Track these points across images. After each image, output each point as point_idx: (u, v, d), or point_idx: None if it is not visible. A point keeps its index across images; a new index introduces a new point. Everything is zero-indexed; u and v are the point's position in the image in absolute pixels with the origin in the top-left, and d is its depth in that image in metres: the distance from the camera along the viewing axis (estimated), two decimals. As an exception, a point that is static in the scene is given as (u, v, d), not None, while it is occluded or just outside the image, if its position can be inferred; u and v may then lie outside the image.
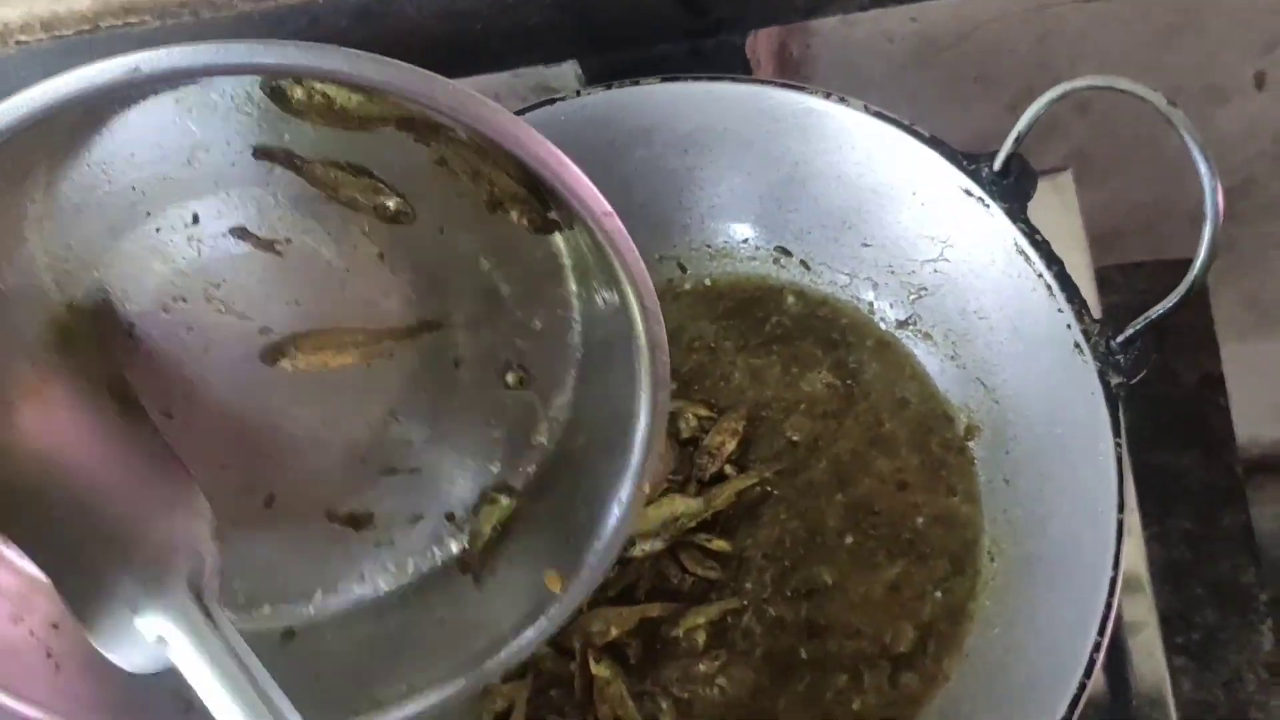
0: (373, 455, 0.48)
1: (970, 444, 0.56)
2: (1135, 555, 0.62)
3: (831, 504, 0.56)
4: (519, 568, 0.50)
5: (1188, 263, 0.46)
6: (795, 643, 0.55)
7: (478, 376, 0.49)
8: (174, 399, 0.40)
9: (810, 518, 0.57)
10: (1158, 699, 0.60)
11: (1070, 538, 0.49)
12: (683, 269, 0.62)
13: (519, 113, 0.54)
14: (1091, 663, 0.44)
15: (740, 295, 0.61)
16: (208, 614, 0.33)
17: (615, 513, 0.47)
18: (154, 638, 0.32)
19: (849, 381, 0.59)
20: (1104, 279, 0.71)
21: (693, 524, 0.56)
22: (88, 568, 0.33)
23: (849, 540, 0.56)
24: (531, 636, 0.49)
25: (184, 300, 0.39)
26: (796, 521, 0.57)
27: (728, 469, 0.57)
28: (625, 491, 0.47)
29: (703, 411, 0.59)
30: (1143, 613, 0.62)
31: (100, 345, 0.37)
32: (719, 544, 0.56)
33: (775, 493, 0.57)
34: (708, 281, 0.62)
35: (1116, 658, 0.60)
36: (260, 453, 0.44)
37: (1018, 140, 0.48)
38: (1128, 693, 0.60)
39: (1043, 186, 0.62)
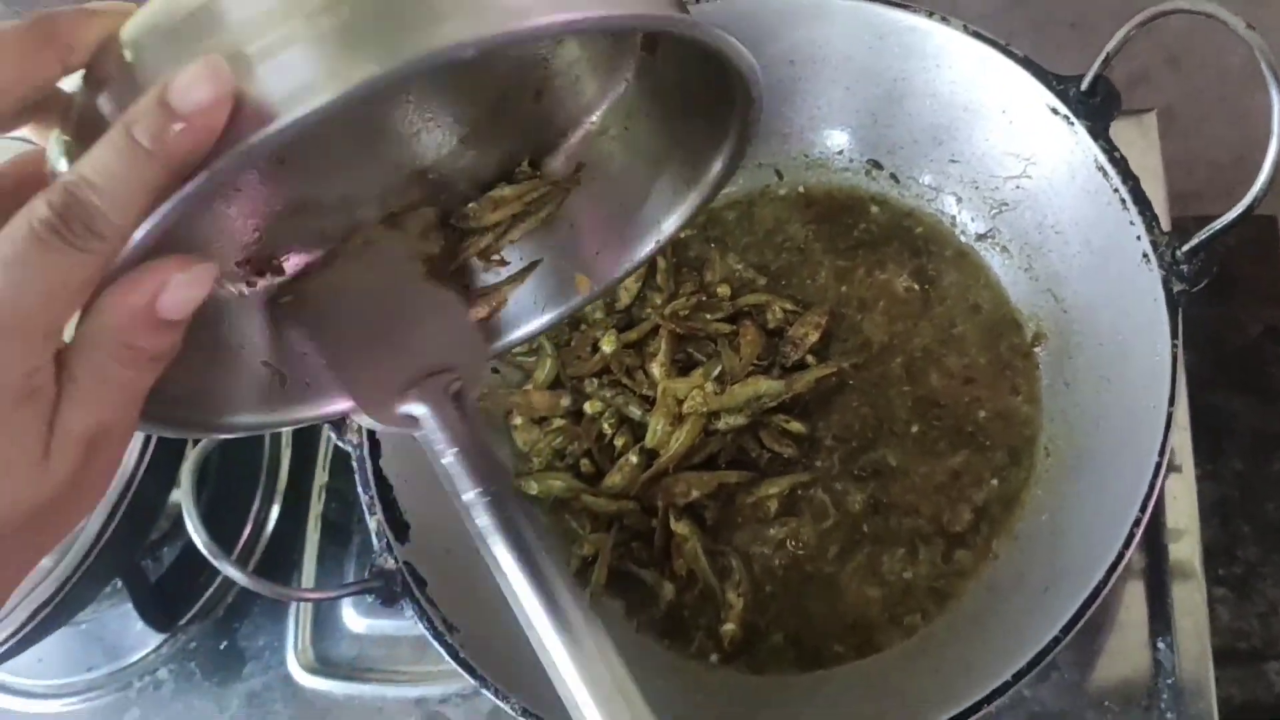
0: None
1: (1037, 349, 0.60)
2: (1186, 490, 0.65)
3: (901, 395, 0.61)
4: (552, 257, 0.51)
5: (1263, 218, 0.49)
6: (859, 516, 0.60)
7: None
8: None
9: (881, 407, 0.61)
10: (1196, 619, 0.63)
11: (1123, 434, 0.53)
12: (779, 175, 0.67)
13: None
14: (1131, 536, 0.48)
15: (832, 202, 0.66)
16: (461, 411, 0.43)
17: (652, 243, 0.49)
18: (406, 415, 0.44)
19: (926, 287, 0.63)
20: (1181, 229, 0.74)
21: (773, 404, 0.61)
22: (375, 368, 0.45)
23: (915, 429, 0.61)
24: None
25: None
26: (868, 409, 0.61)
27: (809, 358, 0.62)
28: (671, 222, 0.49)
29: (789, 305, 0.64)
30: (1189, 543, 0.65)
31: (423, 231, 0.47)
32: (795, 425, 0.61)
33: (850, 383, 0.62)
34: (801, 188, 0.67)
35: (1157, 580, 0.63)
36: None
37: (1106, 60, 0.52)
38: (1168, 611, 0.63)
39: (1127, 124, 0.66)
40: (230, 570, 0.49)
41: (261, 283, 0.46)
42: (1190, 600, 0.62)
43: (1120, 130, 0.55)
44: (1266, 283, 0.82)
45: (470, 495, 0.41)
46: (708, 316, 0.63)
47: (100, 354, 0.33)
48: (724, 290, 0.65)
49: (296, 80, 0.31)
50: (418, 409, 0.44)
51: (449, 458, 0.42)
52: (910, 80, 0.60)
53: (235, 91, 0.31)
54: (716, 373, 0.61)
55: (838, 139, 0.65)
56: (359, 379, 0.46)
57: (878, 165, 0.65)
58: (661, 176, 0.49)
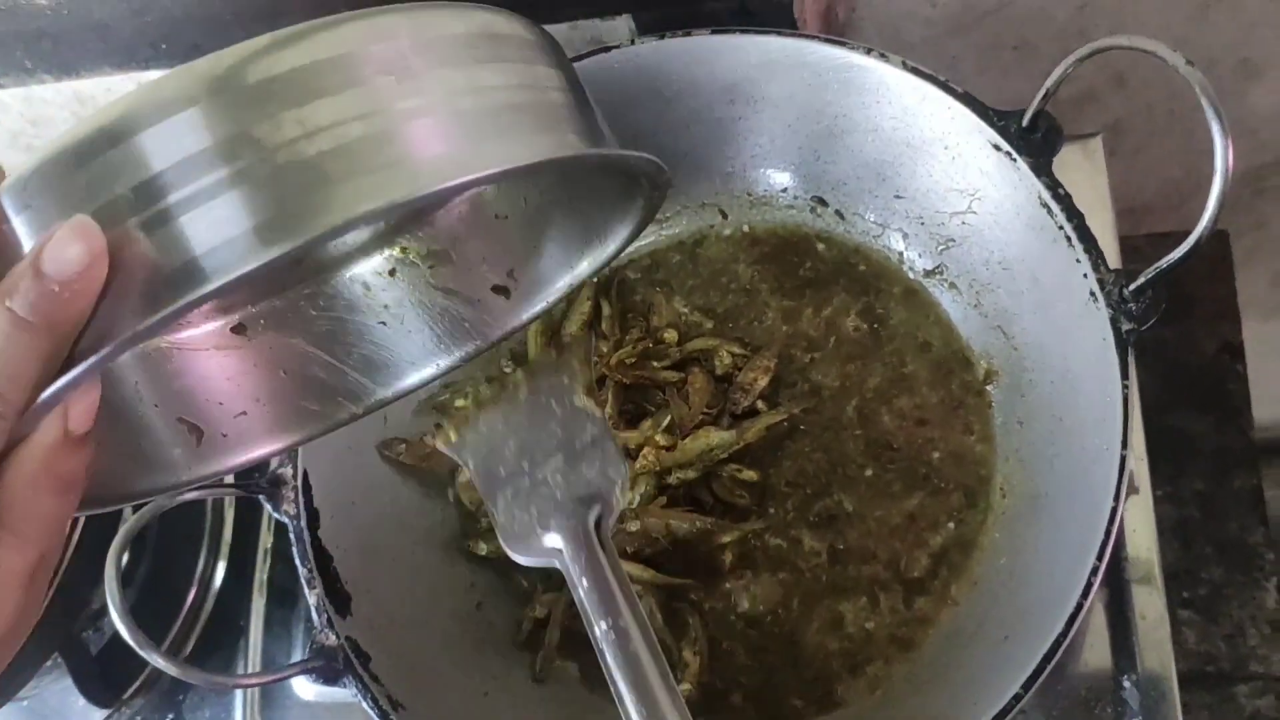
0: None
1: (988, 388, 0.59)
2: (1144, 511, 0.64)
3: (854, 438, 0.60)
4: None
5: (1216, 232, 0.49)
6: (817, 566, 0.58)
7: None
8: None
9: (834, 450, 0.60)
10: (1160, 647, 0.62)
11: (1078, 475, 0.52)
12: (724, 215, 0.66)
13: (574, 59, 0.57)
14: (1089, 585, 0.47)
15: (777, 241, 0.65)
16: (600, 542, 0.46)
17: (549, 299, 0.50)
18: (548, 548, 0.46)
19: (875, 325, 0.62)
20: (1132, 248, 0.73)
21: (725, 455, 0.59)
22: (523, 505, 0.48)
23: (869, 472, 0.59)
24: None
25: None
26: (821, 454, 0.60)
27: (759, 404, 0.61)
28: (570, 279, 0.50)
29: (736, 349, 0.62)
30: (1148, 567, 0.64)
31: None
32: (748, 474, 0.60)
33: (801, 427, 0.61)
34: (746, 227, 0.66)
35: (1119, 607, 0.62)
36: None
37: (1045, 97, 0.51)
38: (1132, 641, 0.62)
39: (1073, 150, 0.65)
40: (159, 662, 0.47)
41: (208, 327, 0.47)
42: (1154, 635, 0.61)
43: (1067, 156, 0.54)
44: (1221, 300, 0.82)
45: (601, 627, 0.43)
46: (655, 364, 0.62)
47: (30, 494, 0.34)
48: (670, 336, 0.63)
49: (199, 248, 0.31)
50: (558, 542, 0.46)
51: (583, 591, 0.44)
52: (851, 116, 0.59)
53: (109, 251, 0.31)
54: (666, 423, 0.60)
55: (781, 177, 0.64)
56: (508, 518, 0.48)
57: (822, 202, 0.64)
58: (561, 239, 0.49)
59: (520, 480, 0.49)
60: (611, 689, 0.43)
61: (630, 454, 0.59)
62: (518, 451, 0.49)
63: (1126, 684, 0.60)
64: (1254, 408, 0.79)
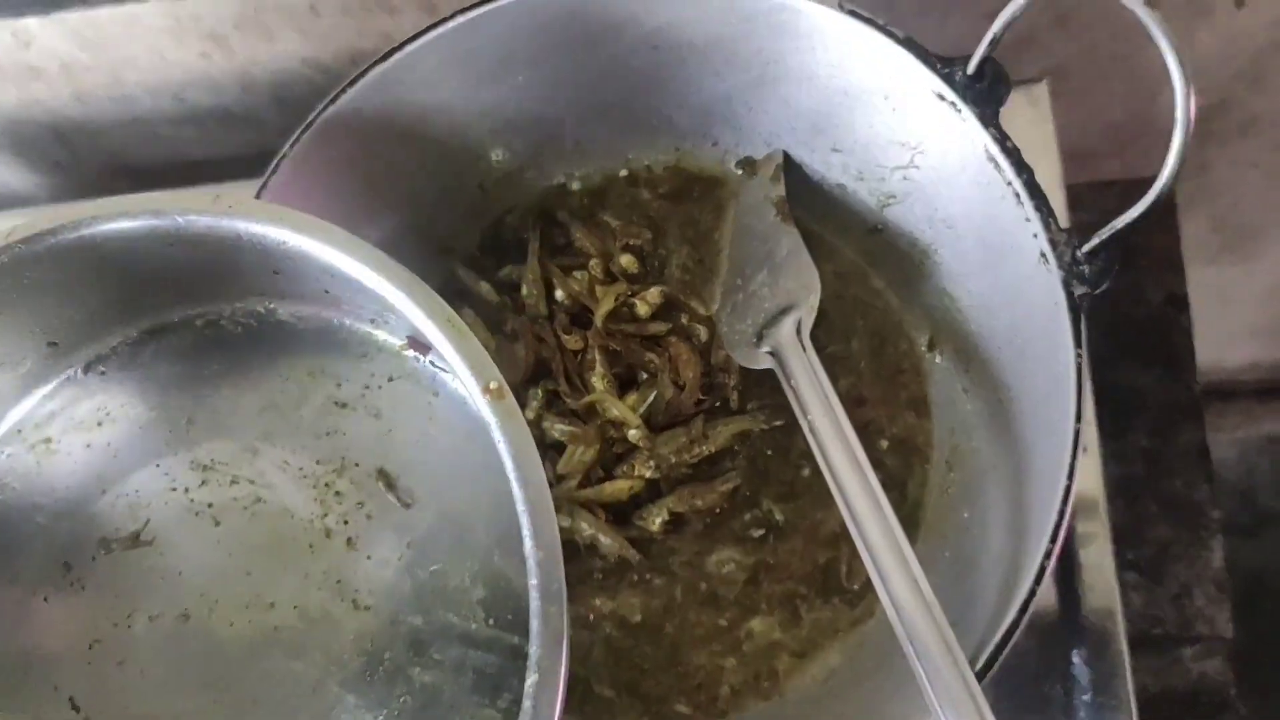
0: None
1: (932, 354, 0.56)
2: (1091, 472, 0.62)
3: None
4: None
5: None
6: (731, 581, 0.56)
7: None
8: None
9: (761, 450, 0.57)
10: (1108, 610, 0.61)
11: (1026, 448, 0.49)
12: (649, 170, 0.61)
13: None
14: (1042, 570, 0.44)
15: (700, 193, 0.61)
16: (802, 344, 0.53)
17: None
18: (766, 351, 0.54)
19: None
20: (1075, 197, 0.70)
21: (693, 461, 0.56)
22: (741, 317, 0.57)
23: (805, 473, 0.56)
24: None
25: None
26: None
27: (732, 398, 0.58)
28: None
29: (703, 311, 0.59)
30: (1095, 527, 0.62)
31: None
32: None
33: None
34: (668, 187, 0.62)
35: (1068, 570, 0.60)
36: None
37: (993, 43, 0.47)
38: (1078, 604, 0.60)
39: (1017, 97, 0.61)
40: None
41: None
42: (1103, 606, 0.59)
43: (1011, 103, 0.50)
44: (1167, 249, 0.79)
45: (809, 418, 0.51)
46: (629, 330, 0.58)
47: None
48: (629, 261, 0.59)
49: None
50: (770, 349, 0.54)
51: (791, 389, 0.52)
52: (783, 63, 0.55)
53: None
54: (651, 399, 0.56)
55: (710, 127, 0.60)
56: (730, 328, 0.57)
57: (753, 156, 0.60)
58: None
59: (737, 295, 0.57)
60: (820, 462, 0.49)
61: (612, 424, 0.56)
62: (735, 268, 0.58)
63: (1076, 659, 0.57)
64: (1197, 351, 0.77)
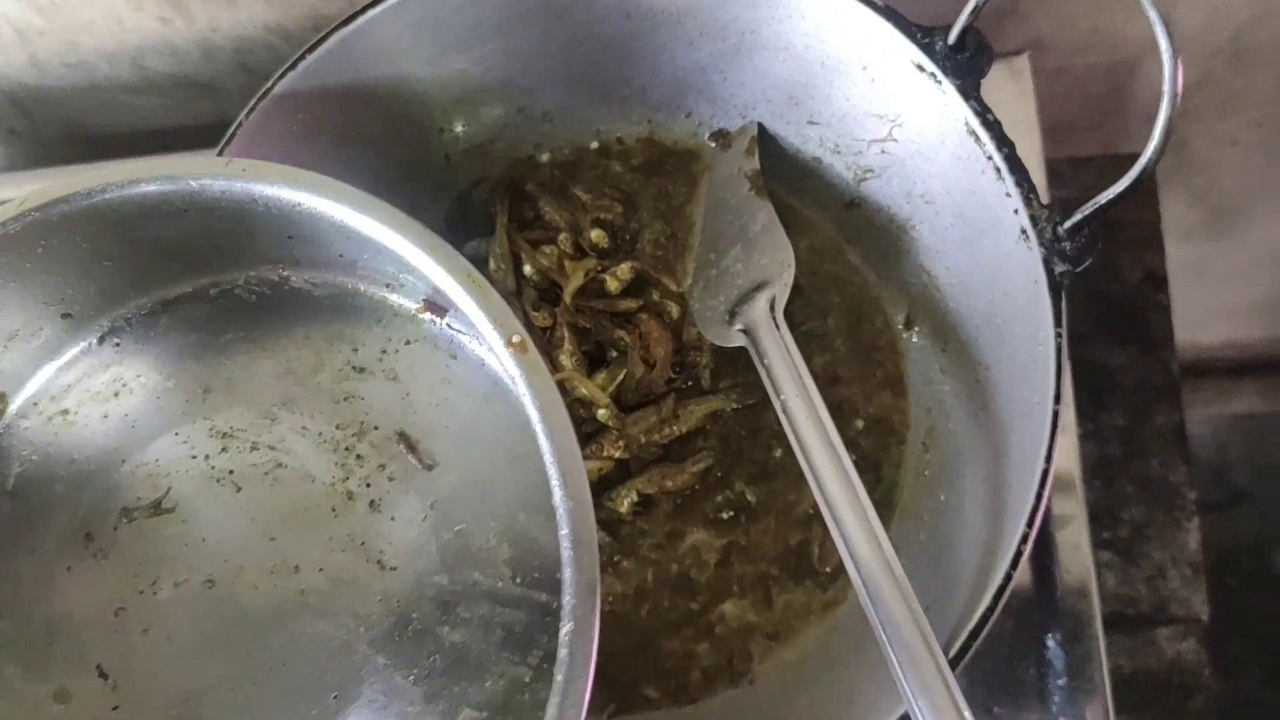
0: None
1: (909, 333, 0.55)
2: (1068, 451, 0.61)
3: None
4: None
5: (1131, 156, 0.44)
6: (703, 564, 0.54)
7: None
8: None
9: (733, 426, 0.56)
10: (1082, 592, 0.60)
11: (1004, 429, 0.48)
12: (620, 142, 0.60)
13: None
14: (1019, 554, 0.43)
15: (674, 167, 0.59)
16: (775, 322, 0.52)
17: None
18: (739, 329, 0.53)
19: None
20: (1054, 172, 0.69)
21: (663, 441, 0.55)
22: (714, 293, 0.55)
23: (777, 453, 0.55)
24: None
25: None
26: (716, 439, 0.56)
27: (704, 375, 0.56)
28: None
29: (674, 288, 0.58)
30: (1072, 508, 0.61)
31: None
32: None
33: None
34: (642, 154, 0.60)
35: (1043, 551, 0.59)
36: None
37: (974, 12, 0.46)
38: (1053, 586, 0.59)
39: (999, 70, 0.60)
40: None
41: None
42: (1078, 589, 0.58)
43: (991, 76, 0.49)
44: (1145, 225, 0.78)
45: (781, 397, 0.49)
46: (598, 306, 0.56)
47: None
48: (598, 235, 0.58)
49: None
50: (742, 325, 0.53)
51: (765, 368, 0.51)
52: (759, 33, 0.53)
53: None
54: (621, 377, 0.55)
55: (683, 99, 0.58)
56: (702, 305, 0.56)
57: (727, 128, 0.58)
58: None
59: (710, 270, 0.55)
60: (792, 443, 0.48)
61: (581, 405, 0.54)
62: (707, 243, 0.56)
63: (1051, 643, 0.57)
64: (1174, 329, 0.76)
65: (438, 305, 0.49)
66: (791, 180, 0.57)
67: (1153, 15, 0.40)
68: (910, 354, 0.55)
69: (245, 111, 0.51)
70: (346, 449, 0.49)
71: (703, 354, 0.56)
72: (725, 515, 0.54)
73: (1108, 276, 0.77)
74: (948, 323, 0.53)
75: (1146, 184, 0.79)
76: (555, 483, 0.40)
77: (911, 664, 0.42)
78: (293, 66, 0.52)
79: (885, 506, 0.53)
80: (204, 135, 0.77)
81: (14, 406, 0.50)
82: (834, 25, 0.50)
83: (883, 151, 0.53)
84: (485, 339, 0.42)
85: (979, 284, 0.51)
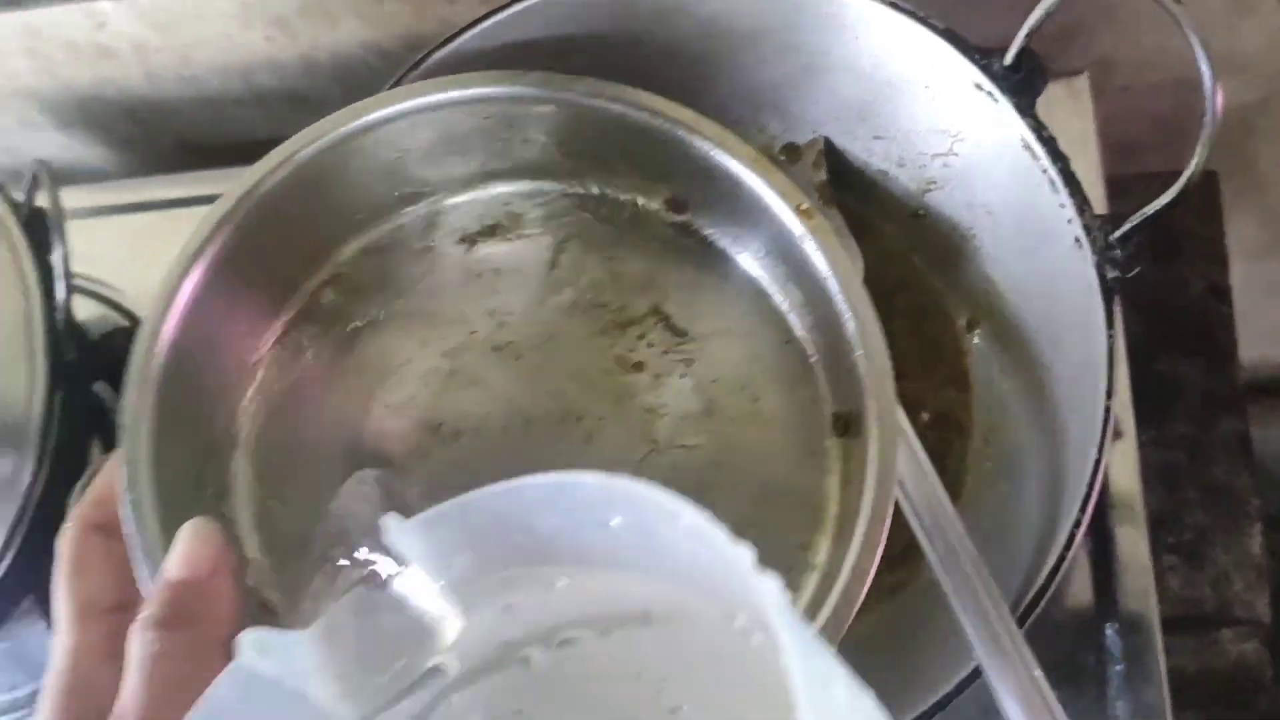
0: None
1: (971, 335, 0.58)
2: (1129, 457, 0.63)
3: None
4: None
5: (1205, 173, 0.47)
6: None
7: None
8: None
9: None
10: (1143, 590, 0.62)
11: (1061, 425, 0.51)
12: (699, 158, 0.64)
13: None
14: (1072, 538, 0.46)
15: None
16: None
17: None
18: None
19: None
20: (1121, 187, 0.72)
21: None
22: None
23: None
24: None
25: None
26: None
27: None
28: None
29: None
30: (1132, 510, 0.63)
31: None
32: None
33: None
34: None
35: (1104, 554, 0.62)
36: None
37: (1029, 35, 0.49)
38: (1113, 585, 0.61)
39: (1058, 88, 0.63)
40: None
41: None
42: (1138, 582, 0.60)
43: (1052, 94, 0.52)
44: (1210, 240, 0.80)
45: None
46: None
47: None
48: None
49: None
50: None
51: None
52: (829, 54, 0.57)
53: None
54: None
55: (757, 118, 0.62)
56: None
57: (796, 142, 0.62)
58: None
59: None
60: None
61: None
62: None
63: (1109, 632, 0.59)
64: (1241, 349, 0.78)
65: (678, 202, 0.54)
66: (860, 191, 0.61)
67: (1193, 38, 0.43)
68: (973, 354, 0.58)
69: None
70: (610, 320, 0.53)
71: None
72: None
73: (1173, 290, 0.79)
74: (1008, 325, 0.56)
75: (1210, 199, 0.82)
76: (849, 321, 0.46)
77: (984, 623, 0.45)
78: (398, 82, 0.56)
79: (950, 496, 0.56)
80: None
81: None
82: (898, 47, 0.54)
83: (945, 165, 0.57)
84: (775, 210, 0.48)
85: (1036, 289, 0.54)
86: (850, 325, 0.45)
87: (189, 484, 0.46)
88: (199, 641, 0.35)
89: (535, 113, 0.51)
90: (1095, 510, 0.56)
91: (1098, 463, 0.46)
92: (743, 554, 0.25)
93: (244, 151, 0.89)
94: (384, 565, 0.36)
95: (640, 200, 0.54)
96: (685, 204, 0.53)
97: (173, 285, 0.47)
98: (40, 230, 0.61)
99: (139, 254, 0.78)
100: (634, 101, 0.50)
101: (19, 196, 0.63)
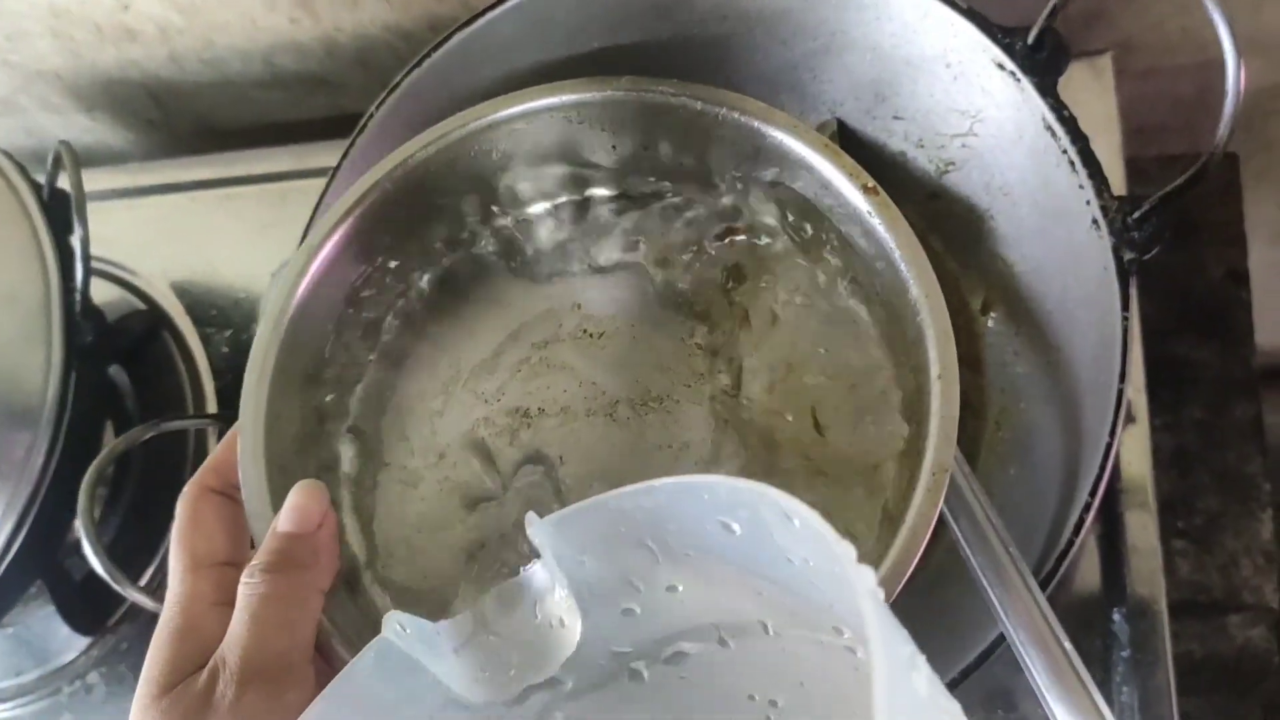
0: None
1: (985, 317, 0.58)
2: (1140, 440, 0.63)
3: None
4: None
5: (1226, 155, 0.47)
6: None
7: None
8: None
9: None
10: (1150, 574, 0.62)
11: (1074, 408, 0.51)
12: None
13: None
14: (1081, 521, 0.46)
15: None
16: None
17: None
18: None
19: (872, 252, 0.60)
20: (1142, 170, 0.71)
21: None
22: None
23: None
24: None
25: None
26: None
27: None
28: None
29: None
30: (1142, 495, 0.63)
31: None
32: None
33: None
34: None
35: (1113, 537, 0.62)
36: None
37: (1052, 13, 0.49)
38: (1122, 569, 0.62)
39: (1081, 69, 0.63)
40: (135, 596, 0.47)
41: None
42: (1146, 567, 0.60)
43: (1074, 75, 0.52)
44: (1229, 224, 0.80)
45: None
46: None
47: None
48: None
49: None
50: None
51: None
52: (849, 33, 0.57)
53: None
54: None
55: (775, 96, 0.62)
56: None
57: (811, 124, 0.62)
58: None
59: None
60: None
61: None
62: None
63: (1116, 616, 0.59)
64: (1258, 333, 0.78)
65: None
66: (878, 173, 0.60)
67: (1216, 16, 0.43)
68: (987, 336, 0.58)
69: (375, 104, 0.56)
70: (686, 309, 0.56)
71: None
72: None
73: (1190, 274, 0.78)
74: (1022, 307, 0.56)
75: (1230, 182, 0.81)
76: (919, 298, 0.47)
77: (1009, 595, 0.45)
78: (419, 64, 0.56)
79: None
80: (321, 128, 0.83)
81: None
82: (919, 25, 0.54)
83: (964, 145, 0.56)
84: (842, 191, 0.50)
85: (1052, 271, 0.54)
86: (914, 291, 0.47)
87: (298, 455, 0.49)
88: (302, 587, 0.38)
89: (617, 116, 0.54)
90: (1105, 494, 0.57)
91: (1109, 447, 0.46)
92: (847, 550, 0.26)
93: (263, 134, 0.89)
94: (524, 562, 0.38)
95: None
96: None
97: (299, 269, 0.50)
98: (61, 212, 0.62)
99: (158, 237, 0.78)
100: (714, 99, 0.52)
101: (41, 178, 0.64)
